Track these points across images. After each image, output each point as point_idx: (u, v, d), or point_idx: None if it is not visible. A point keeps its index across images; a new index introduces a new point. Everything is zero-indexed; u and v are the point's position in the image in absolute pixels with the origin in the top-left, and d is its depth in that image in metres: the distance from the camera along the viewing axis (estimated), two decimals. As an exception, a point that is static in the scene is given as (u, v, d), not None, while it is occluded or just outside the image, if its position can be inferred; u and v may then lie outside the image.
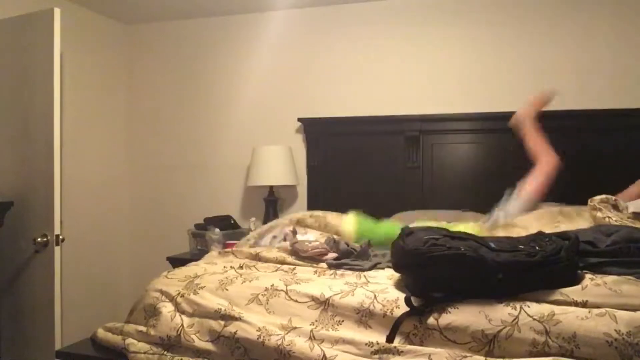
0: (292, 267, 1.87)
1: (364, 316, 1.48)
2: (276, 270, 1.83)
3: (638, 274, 1.46)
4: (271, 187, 3.54)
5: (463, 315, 1.39)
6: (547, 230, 1.80)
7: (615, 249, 1.58)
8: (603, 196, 2.10)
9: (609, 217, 1.95)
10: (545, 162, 2.62)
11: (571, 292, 1.40)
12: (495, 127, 3.27)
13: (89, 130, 3.77)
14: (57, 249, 2.49)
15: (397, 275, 1.64)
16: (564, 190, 3.08)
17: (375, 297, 1.51)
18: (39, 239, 2.49)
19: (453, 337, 1.37)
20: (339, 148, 3.58)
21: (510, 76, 3.31)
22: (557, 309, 1.35)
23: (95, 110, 3.83)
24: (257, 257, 2.00)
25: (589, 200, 2.11)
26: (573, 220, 2.19)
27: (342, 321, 1.50)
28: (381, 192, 3.44)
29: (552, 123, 3.18)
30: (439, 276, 1.46)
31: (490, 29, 3.34)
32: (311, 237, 2.12)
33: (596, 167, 3.08)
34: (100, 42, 3.87)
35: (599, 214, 2.00)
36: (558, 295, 1.40)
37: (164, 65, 4.02)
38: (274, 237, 2.35)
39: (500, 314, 1.37)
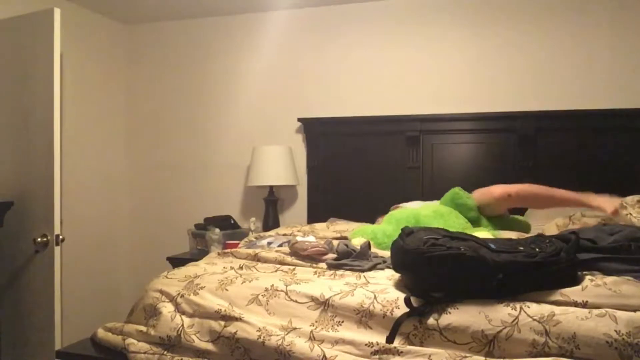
0: (291, 267, 1.87)
1: (364, 317, 1.48)
2: (276, 271, 1.83)
3: (636, 272, 1.46)
4: (271, 187, 3.54)
5: (463, 316, 1.39)
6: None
7: (616, 247, 1.59)
8: (637, 196, 2.16)
9: (630, 214, 2.02)
10: None
11: (571, 292, 1.40)
12: (495, 127, 3.27)
13: (89, 130, 3.77)
14: (57, 249, 2.49)
15: (397, 275, 1.64)
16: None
17: (375, 297, 1.51)
18: (39, 239, 2.49)
19: (453, 338, 1.37)
20: (339, 148, 3.58)
21: (510, 76, 3.31)
22: (557, 309, 1.35)
23: (95, 110, 3.83)
24: (256, 258, 2.00)
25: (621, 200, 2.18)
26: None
27: (342, 322, 1.50)
28: (381, 192, 3.44)
29: (552, 123, 3.20)
30: (439, 276, 1.45)
31: (490, 29, 3.34)
32: (312, 239, 2.12)
33: (596, 167, 3.08)
34: (100, 42, 3.87)
35: (623, 211, 2.08)
36: (558, 295, 1.40)
37: (164, 65, 4.02)
38: (269, 243, 2.34)
39: (500, 314, 1.37)
